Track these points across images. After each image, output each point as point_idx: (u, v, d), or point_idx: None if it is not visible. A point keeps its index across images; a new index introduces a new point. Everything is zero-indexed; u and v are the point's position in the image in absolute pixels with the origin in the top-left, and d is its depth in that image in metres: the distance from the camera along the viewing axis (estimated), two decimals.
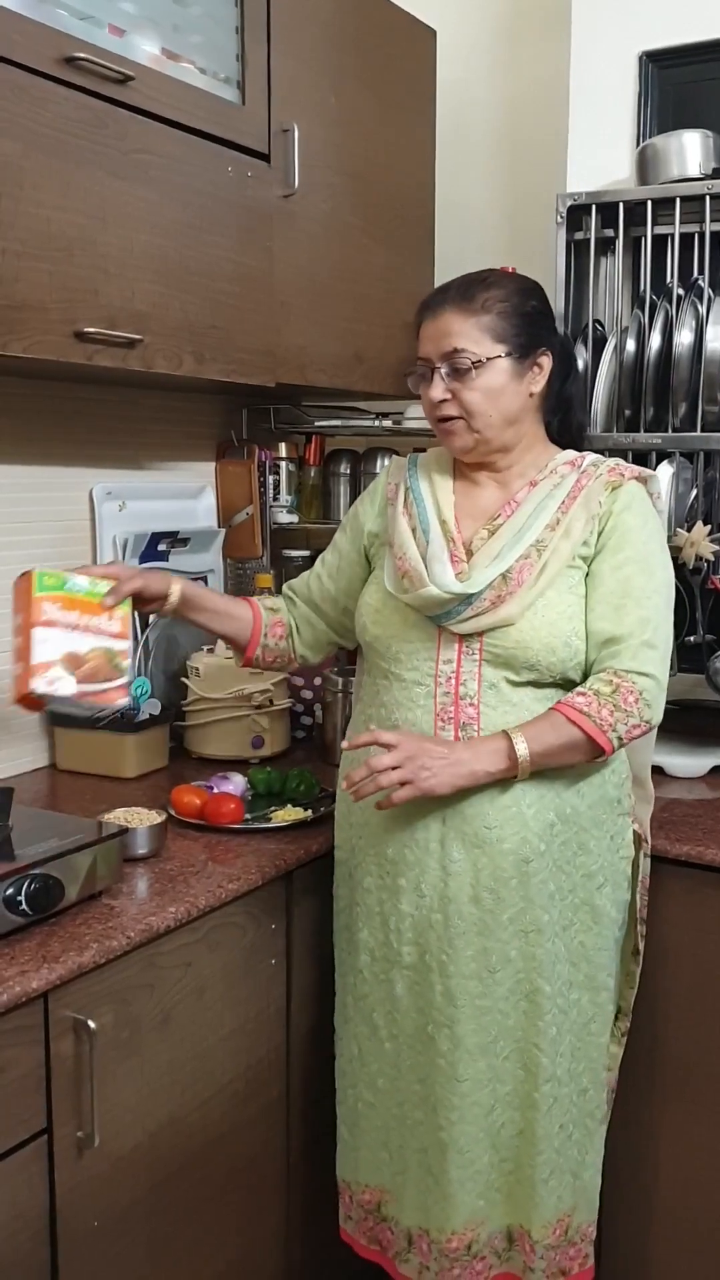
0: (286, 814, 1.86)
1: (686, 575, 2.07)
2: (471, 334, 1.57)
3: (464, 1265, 1.66)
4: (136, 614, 1.69)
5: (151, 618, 2.17)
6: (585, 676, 1.57)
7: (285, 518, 2.55)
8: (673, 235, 2.06)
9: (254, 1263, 1.78)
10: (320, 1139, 1.83)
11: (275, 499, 2.53)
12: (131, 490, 2.28)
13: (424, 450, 1.78)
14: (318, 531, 2.57)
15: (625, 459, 1.82)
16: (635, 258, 2.24)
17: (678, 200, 2.05)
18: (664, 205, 2.08)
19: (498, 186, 2.63)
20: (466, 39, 2.61)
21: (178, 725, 2.21)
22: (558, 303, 2.12)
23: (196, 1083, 1.62)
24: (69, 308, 1.63)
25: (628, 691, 1.52)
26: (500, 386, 1.58)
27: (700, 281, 2.09)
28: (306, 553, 2.53)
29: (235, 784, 1.95)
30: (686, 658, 2.13)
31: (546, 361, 1.62)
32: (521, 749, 1.50)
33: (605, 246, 2.23)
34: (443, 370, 1.58)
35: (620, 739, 1.53)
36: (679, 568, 1.95)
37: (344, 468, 2.60)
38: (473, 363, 1.56)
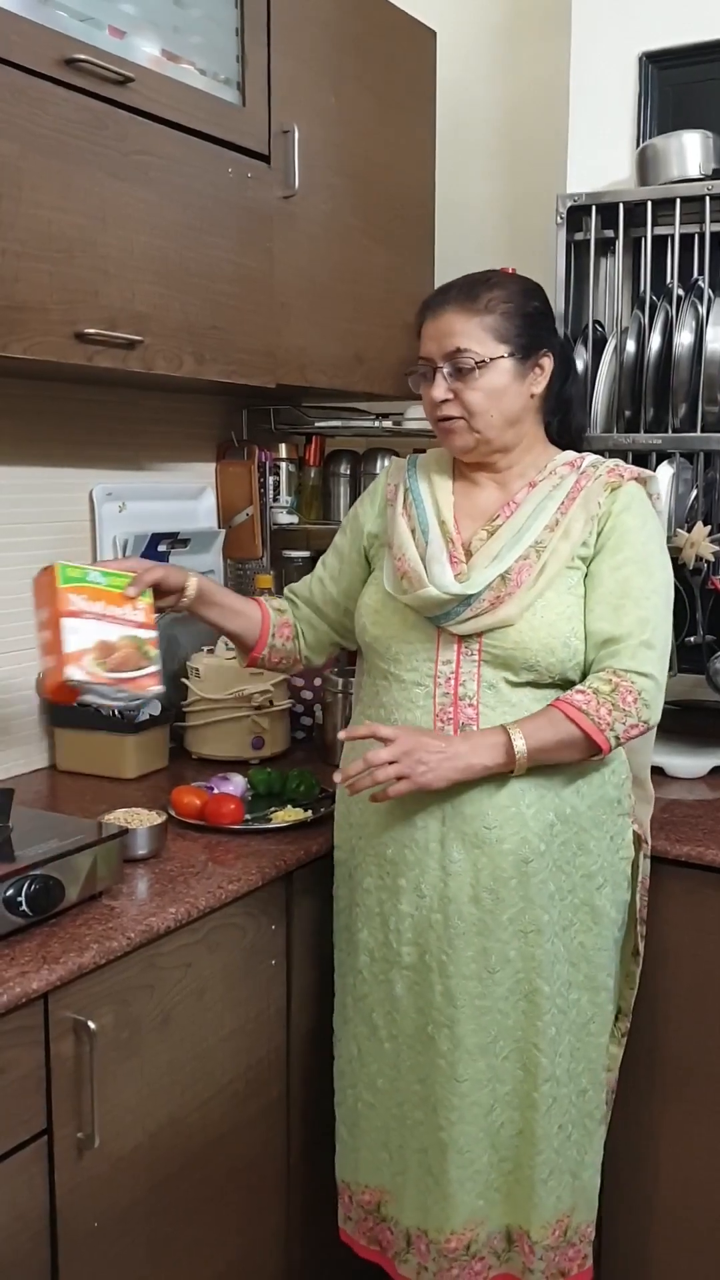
0: (286, 815, 1.86)
1: (686, 576, 2.07)
2: (474, 334, 1.57)
3: (462, 1265, 1.66)
4: None
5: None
6: (584, 677, 1.57)
7: (285, 518, 2.55)
8: (673, 236, 2.06)
9: (254, 1263, 1.78)
10: (320, 1139, 1.83)
11: (275, 500, 2.53)
12: (132, 491, 2.28)
13: (424, 451, 1.78)
14: (318, 532, 2.57)
15: (625, 460, 1.82)
16: (635, 258, 2.24)
17: (678, 201, 2.05)
18: (664, 206, 2.09)
19: (498, 187, 2.63)
20: (466, 39, 2.61)
21: (178, 726, 2.21)
22: (558, 303, 2.12)
23: (196, 1083, 1.62)
24: (69, 309, 1.63)
25: (626, 691, 1.52)
26: (502, 387, 1.58)
27: (700, 282, 2.09)
28: (307, 553, 2.53)
29: (235, 785, 1.95)
30: (686, 658, 2.13)
31: (548, 362, 1.62)
32: (519, 744, 1.50)
33: (605, 247, 2.23)
34: (445, 370, 1.58)
35: (618, 738, 1.53)
36: (679, 568, 1.95)
37: (344, 468, 2.60)
38: (475, 363, 1.56)
